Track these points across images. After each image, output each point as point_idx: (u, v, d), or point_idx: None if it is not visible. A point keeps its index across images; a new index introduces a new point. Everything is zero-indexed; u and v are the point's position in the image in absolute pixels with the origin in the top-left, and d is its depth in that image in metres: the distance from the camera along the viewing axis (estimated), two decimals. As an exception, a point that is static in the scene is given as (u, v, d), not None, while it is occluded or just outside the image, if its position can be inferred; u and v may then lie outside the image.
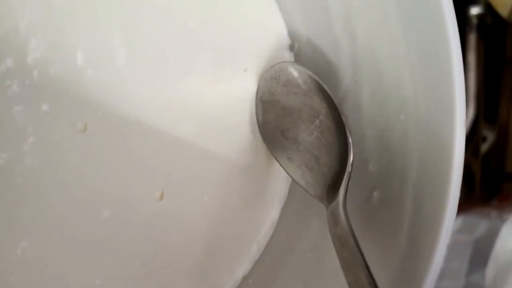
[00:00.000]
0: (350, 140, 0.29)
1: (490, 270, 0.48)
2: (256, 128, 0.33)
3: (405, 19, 0.28)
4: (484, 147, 0.58)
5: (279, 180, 0.35)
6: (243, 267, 0.34)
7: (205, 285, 0.33)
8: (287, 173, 0.32)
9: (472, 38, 0.55)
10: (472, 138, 0.56)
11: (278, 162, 0.32)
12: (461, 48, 0.26)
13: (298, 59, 0.34)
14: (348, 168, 0.29)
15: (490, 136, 0.58)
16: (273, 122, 0.33)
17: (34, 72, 0.27)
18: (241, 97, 0.33)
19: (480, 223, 0.52)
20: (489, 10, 0.54)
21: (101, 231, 0.29)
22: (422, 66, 0.28)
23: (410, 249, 0.28)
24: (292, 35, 0.34)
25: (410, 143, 0.29)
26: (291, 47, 0.34)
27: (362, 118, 0.31)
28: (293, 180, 0.32)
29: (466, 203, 0.55)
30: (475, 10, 0.55)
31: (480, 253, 0.51)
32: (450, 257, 0.53)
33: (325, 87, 0.31)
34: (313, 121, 0.31)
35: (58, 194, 0.28)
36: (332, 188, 0.29)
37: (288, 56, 0.34)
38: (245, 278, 0.34)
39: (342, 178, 0.29)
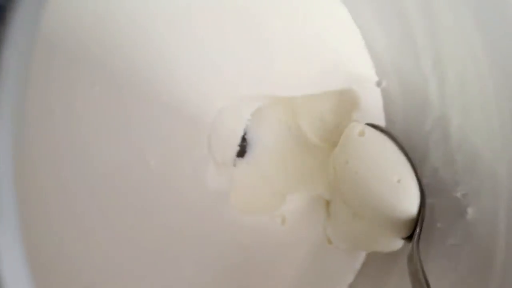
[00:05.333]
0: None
1: None
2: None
3: (493, 58, 0.32)
4: None
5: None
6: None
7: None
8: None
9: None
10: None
11: None
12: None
13: (386, 94, 0.39)
14: (419, 224, 0.34)
15: None
16: None
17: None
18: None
19: None
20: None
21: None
22: (510, 100, 0.32)
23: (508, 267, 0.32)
24: (380, 73, 0.39)
25: (500, 168, 0.33)
26: (378, 83, 0.39)
27: (452, 145, 0.36)
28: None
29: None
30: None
31: None
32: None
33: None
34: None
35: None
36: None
37: (376, 91, 0.39)
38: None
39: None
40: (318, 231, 0.39)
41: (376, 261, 0.39)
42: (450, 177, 0.36)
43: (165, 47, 0.31)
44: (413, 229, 0.34)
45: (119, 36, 0.29)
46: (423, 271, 0.31)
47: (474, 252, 0.34)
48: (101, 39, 0.28)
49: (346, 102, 0.39)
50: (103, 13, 0.28)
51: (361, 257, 0.40)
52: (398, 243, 0.36)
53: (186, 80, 0.31)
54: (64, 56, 0.27)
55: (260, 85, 0.35)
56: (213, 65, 0.32)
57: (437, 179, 0.37)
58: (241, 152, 0.38)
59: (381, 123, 0.40)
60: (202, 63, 0.32)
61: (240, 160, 0.38)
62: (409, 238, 0.35)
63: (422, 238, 0.36)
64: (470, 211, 0.35)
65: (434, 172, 0.37)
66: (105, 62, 0.28)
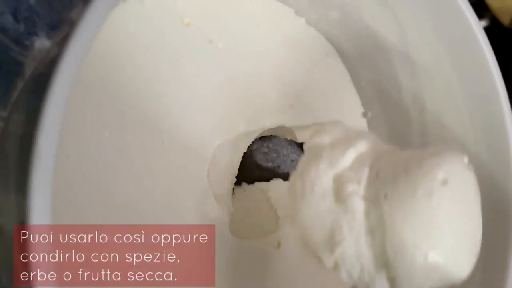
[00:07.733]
0: None
1: None
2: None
3: (467, 93, 0.36)
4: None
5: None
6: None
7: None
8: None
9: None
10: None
11: None
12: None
13: (371, 124, 0.42)
14: None
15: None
16: None
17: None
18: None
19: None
20: (495, 22, 0.57)
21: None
22: (484, 131, 0.35)
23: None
24: (365, 105, 0.42)
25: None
26: (364, 114, 0.42)
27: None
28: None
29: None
30: (481, 24, 0.59)
31: None
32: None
33: None
34: None
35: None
36: None
37: (362, 121, 0.42)
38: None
39: None
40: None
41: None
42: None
43: (167, 96, 0.33)
44: None
45: (127, 86, 0.31)
46: None
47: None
48: (112, 91, 0.31)
49: (334, 132, 0.42)
50: (111, 66, 0.31)
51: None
52: None
53: (185, 124, 0.34)
54: (79, 107, 0.29)
55: (255, 122, 0.37)
56: (209, 109, 0.35)
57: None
58: (238, 180, 0.40)
59: (367, 150, 0.43)
60: (200, 109, 0.35)
61: (238, 188, 0.40)
62: None
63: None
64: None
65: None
66: (115, 112, 0.31)
